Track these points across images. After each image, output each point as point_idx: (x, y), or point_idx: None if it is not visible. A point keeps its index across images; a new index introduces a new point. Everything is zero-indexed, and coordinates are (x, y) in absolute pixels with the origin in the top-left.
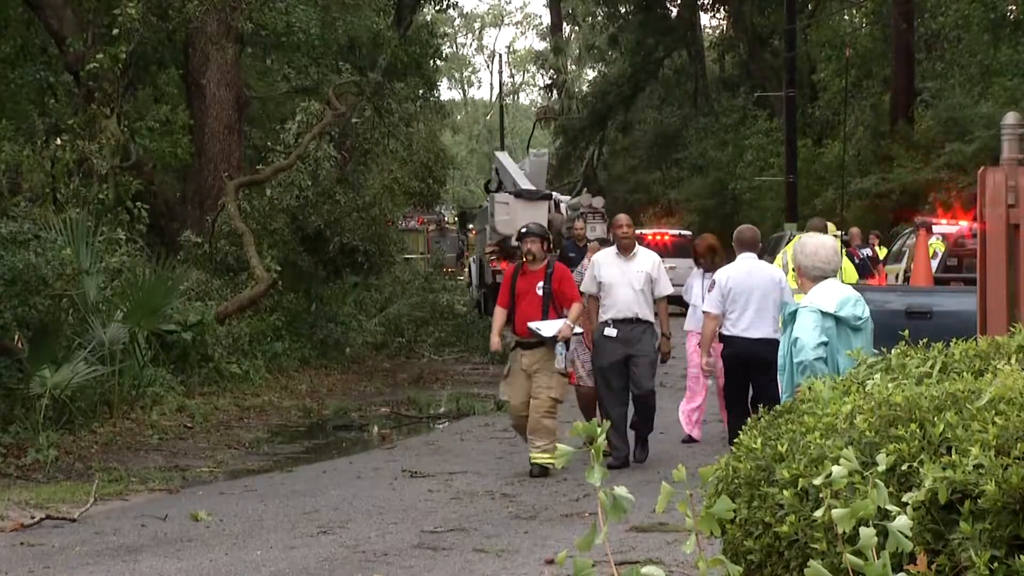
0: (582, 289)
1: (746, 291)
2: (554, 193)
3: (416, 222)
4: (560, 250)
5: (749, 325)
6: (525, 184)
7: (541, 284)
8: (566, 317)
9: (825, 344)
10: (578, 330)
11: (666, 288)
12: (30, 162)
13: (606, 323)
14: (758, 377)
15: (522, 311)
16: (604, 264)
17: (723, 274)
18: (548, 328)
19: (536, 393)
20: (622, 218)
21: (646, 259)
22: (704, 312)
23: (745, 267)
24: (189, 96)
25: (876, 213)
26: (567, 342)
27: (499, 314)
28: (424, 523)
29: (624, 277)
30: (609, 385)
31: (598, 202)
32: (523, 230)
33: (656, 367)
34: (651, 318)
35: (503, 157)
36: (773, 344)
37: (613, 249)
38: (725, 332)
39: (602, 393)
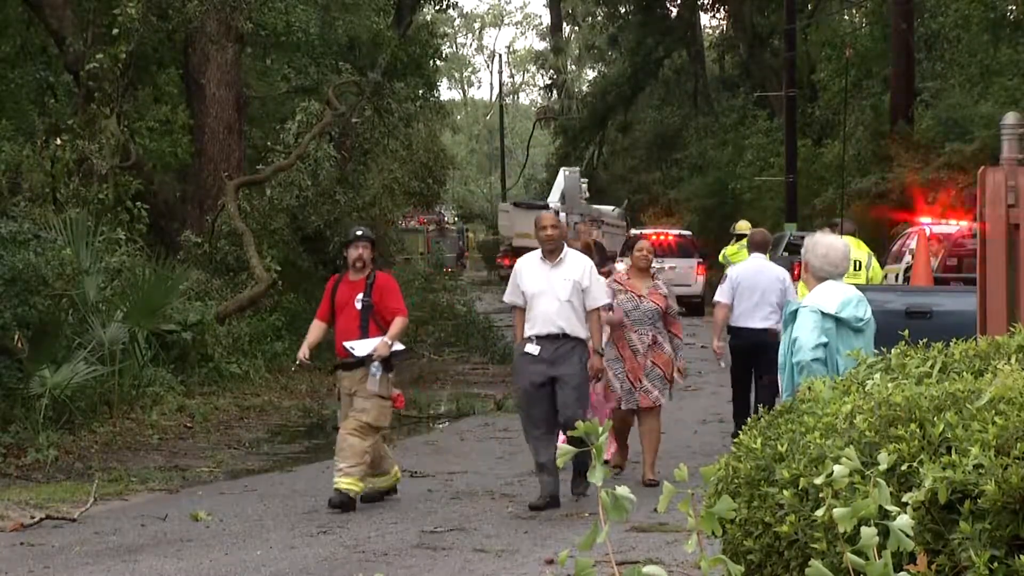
0: (505, 299)
1: (752, 287)
2: (596, 207)
3: (416, 222)
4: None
5: (753, 317)
6: (555, 197)
7: (361, 296)
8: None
9: (824, 345)
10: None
11: (599, 298)
12: (30, 162)
13: (528, 339)
14: (760, 359)
15: (340, 327)
16: (526, 271)
17: (734, 270)
18: (362, 347)
19: (350, 414)
20: (546, 217)
21: (575, 265)
22: (715, 301)
23: (755, 266)
24: (189, 96)
25: (875, 213)
26: (385, 362)
27: (314, 328)
28: (424, 523)
29: (548, 286)
30: (530, 410)
31: (619, 211)
32: (351, 234)
33: (587, 391)
34: (581, 334)
35: (565, 170)
36: (774, 331)
37: (537, 254)
38: (732, 324)
39: (522, 419)
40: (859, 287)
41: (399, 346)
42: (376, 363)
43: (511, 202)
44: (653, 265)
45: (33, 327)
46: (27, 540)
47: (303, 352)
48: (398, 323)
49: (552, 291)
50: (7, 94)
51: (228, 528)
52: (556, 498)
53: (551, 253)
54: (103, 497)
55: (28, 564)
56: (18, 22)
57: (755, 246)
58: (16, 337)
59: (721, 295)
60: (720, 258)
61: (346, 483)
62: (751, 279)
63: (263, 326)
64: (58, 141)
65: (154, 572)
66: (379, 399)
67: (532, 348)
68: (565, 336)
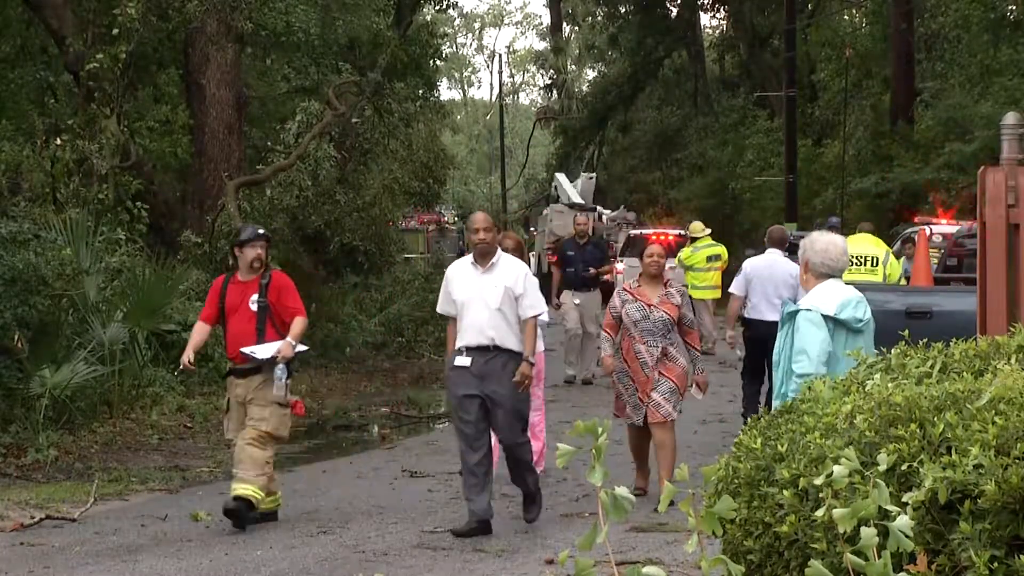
0: (438, 309)
1: (765, 281)
2: (598, 207)
3: (416, 222)
4: (559, 248)
5: (766, 310)
6: (578, 199)
7: (256, 297)
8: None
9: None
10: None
11: (534, 307)
12: (30, 162)
13: (459, 351)
14: (772, 350)
15: (233, 330)
16: (457, 278)
17: (749, 264)
18: (264, 351)
19: (247, 424)
20: (478, 218)
21: (508, 271)
22: (730, 293)
23: (769, 260)
24: (189, 96)
25: (876, 213)
26: (288, 364)
27: (198, 330)
28: (424, 523)
29: (478, 293)
30: (461, 427)
31: (631, 216)
32: (249, 234)
33: (527, 409)
34: (514, 345)
35: (562, 177)
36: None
37: (469, 258)
38: (747, 316)
39: (457, 435)
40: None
41: (302, 347)
42: (281, 366)
43: (566, 203)
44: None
45: (33, 327)
46: (27, 540)
47: (187, 356)
48: (299, 323)
49: (482, 299)
50: (7, 94)
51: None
52: (486, 524)
53: (482, 257)
54: (103, 497)
55: (28, 564)
56: (18, 22)
57: (772, 242)
58: (16, 337)
59: (735, 288)
60: (676, 261)
61: (244, 488)
62: (764, 273)
63: None
64: (58, 141)
65: (154, 572)
66: (278, 407)
67: (462, 360)
68: (496, 348)
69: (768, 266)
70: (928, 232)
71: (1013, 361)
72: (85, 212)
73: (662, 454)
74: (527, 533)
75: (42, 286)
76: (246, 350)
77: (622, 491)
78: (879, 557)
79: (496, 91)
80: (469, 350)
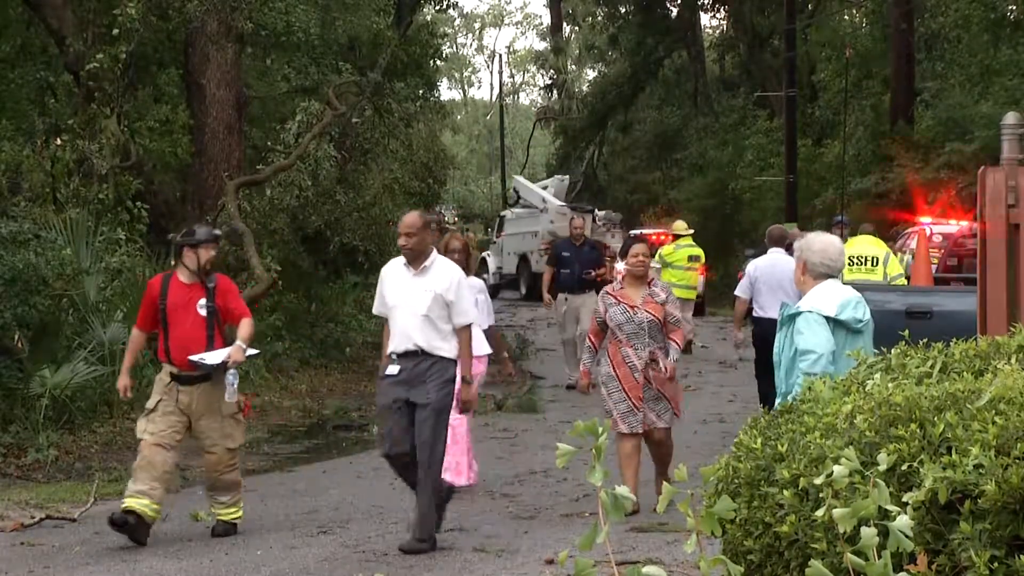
0: (375, 311)
1: (770, 280)
2: (594, 209)
3: None
4: (552, 248)
5: (771, 308)
6: (553, 200)
7: (204, 301)
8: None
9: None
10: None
11: (466, 314)
12: (30, 162)
13: (390, 357)
14: None
15: (178, 336)
16: (389, 279)
17: (752, 265)
18: (214, 357)
19: (209, 448)
20: (404, 220)
21: (441, 275)
22: (735, 295)
23: (771, 260)
24: (189, 96)
25: (876, 213)
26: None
27: (135, 341)
28: None
29: (407, 297)
30: (386, 430)
31: (616, 217)
32: (206, 235)
33: (445, 420)
34: (446, 352)
35: (522, 179)
36: None
37: (402, 259)
38: (754, 315)
39: (379, 450)
40: (861, 286)
41: (251, 351)
42: (233, 371)
43: (567, 205)
44: (656, 263)
45: (33, 327)
46: (27, 540)
47: (125, 386)
48: (247, 325)
49: (411, 303)
50: (7, 94)
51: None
52: (433, 542)
53: (413, 260)
54: (103, 497)
55: (28, 564)
56: (18, 22)
57: (772, 241)
58: (16, 337)
59: (740, 291)
60: (655, 258)
61: (231, 513)
62: (768, 272)
63: (263, 326)
64: (58, 141)
65: (154, 572)
66: (232, 418)
67: (391, 368)
68: (423, 353)
69: (771, 265)
70: (928, 232)
71: (1013, 361)
72: (85, 212)
73: (660, 452)
74: (527, 533)
75: (42, 286)
76: (195, 358)
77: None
78: (879, 557)
79: (496, 91)
80: (398, 356)
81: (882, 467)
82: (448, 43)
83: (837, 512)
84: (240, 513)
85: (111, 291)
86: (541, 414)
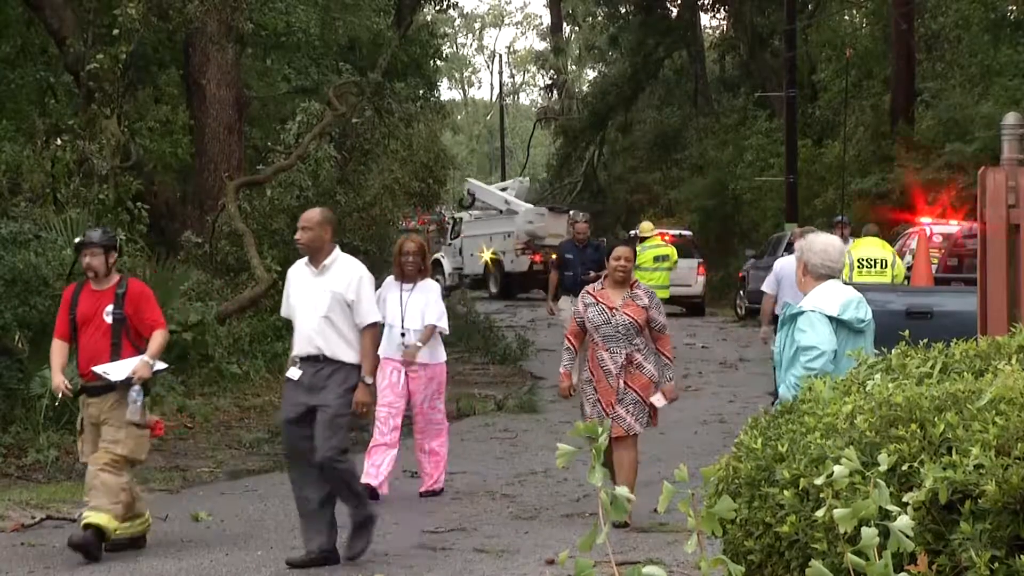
0: (282, 313)
1: (794, 277)
2: (571, 210)
3: (418, 222)
4: (558, 250)
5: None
6: (515, 201)
7: (111, 308)
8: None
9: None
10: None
11: (369, 314)
12: (30, 162)
13: (293, 361)
14: None
15: (86, 344)
16: (293, 280)
17: (779, 264)
18: (118, 371)
19: (100, 446)
20: (306, 213)
21: (342, 274)
22: (762, 292)
23: (786, 262)
24: (189, 96)
25: (876, 213)
26: (145, 385)
27: (57, 349)
28: (425, 523)
29: (308, 298)
30: (289, 448)
31: (583, 216)
32: (80, 240)
33: (344, 425)
34: (348, 357)
35: (475, 182)
36: None
37: (305, 259)
38: (778, 312)
39: (285, 460)
40: (864, 286)
41: (160, 364)
42: (137, 388)
43: (546, 206)
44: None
45: (34, 327)
46: (28, 540)
47: (60, 381)
48: (158, 338)
49: (311, 304)
50: (7, 94)
51: (228, 528)
52: (329, 554)
53: (311, 258)
54: None
55: (29, 564)
56: (18, 22)
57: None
58: (17, 337)
59: (767, 287)
60: None
61: (96, 516)
62: (793, 270)
63: (263, 326)
64: (58, 141)
65: (154, 572)
66: (135, 428)
67: (293, 372)
68: (325, 358)
69: (788, 264)
70: (928, 232)
71: (1014, 361)
72: (85, 212)
73: (623, 472)
74: (527, 534)
75: (43, 286)
76: (98, 369)
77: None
78: (880, 557)
79: (496, 91)
80: (301, 361)
81: (882, 467)
82: (448, 43)
83: (838, 512)
84: (105, 522)
85: None
86: (541, 414)
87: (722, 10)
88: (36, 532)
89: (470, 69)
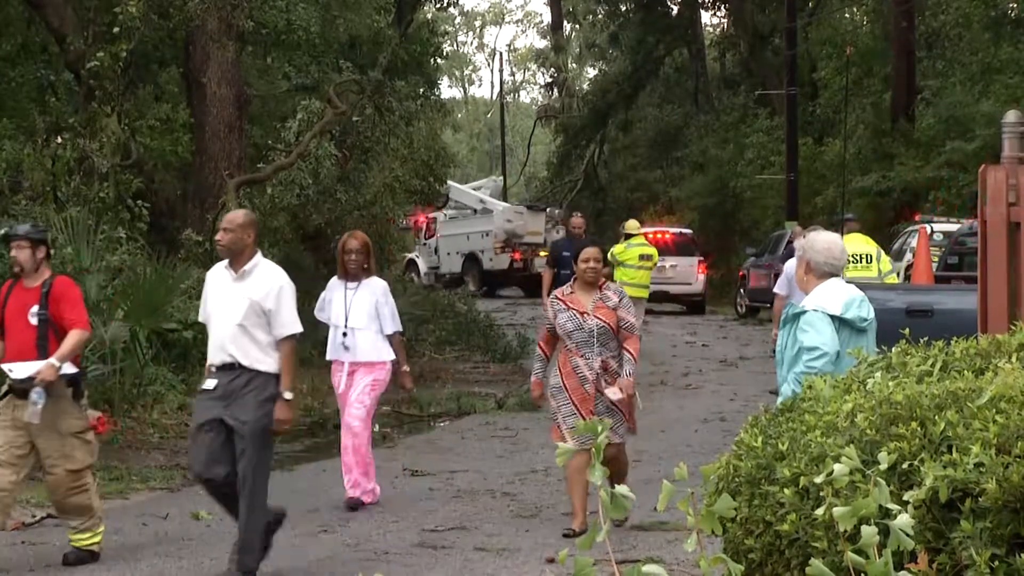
0: (199, 318)
1: None
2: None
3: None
4: (553, 247)
5: None
6: (490, 200)
7: (35, 308)
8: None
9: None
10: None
11: (287, 325)
12: (31, 160)
13: (208, 370)
14: None
15: (11, 344)
16: (210, 283)
17: (789, 264)
18: (22, 369)
19: (49, 468)
20: (229, 214)
21: (262, 281)
22: (774, 293)
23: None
24: (190, 94)
25: (877, 211)
26: (75, 388)
27: None
28: (425, 522)
29: (224, 304)
30: (199, 461)
31: (560, 214)
32: (5, 232)
33: (265, 440)
34: (266, 366)
35: (454, 184)
36: None
37: (225, 263)
38: None
39: (191, 470)
40: (864, 285)
41: (69, 368)
42: (38, 390)
43: (524, 204)
44: (657, 262)
45: None
46: (28, 539)
47: None
48: (71, 338)
49: (227, 311)
50: (8, 92)
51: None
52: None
53: (231, 261)
54: (104, 496)
55: (29, 563)
56: (19, 21)
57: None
58: None
59: (779, 288)
60: (608, 256)
61: (85, 540)
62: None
63: None
64: (59, 140)
65: (155, 571)
66: (77, 438)
67: (208, 383)
68: (240, 367)
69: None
70: (928, 231)
71: (1014, 359)
72: (86, 210)
73: (613, 468)
74: (528, 532)
75: None
76: (5, 367)
77: (622, 489)
78: (880, 556)
79: (497, 89)
80: (216, 370)
81: (883, 465)
82: (449, 41)
83: (838, 511)
84: (98, 539)
85: (112, 290)
86: (542, 413)
87: (723, 8)
88: (36, 530)
89: (471, 67)
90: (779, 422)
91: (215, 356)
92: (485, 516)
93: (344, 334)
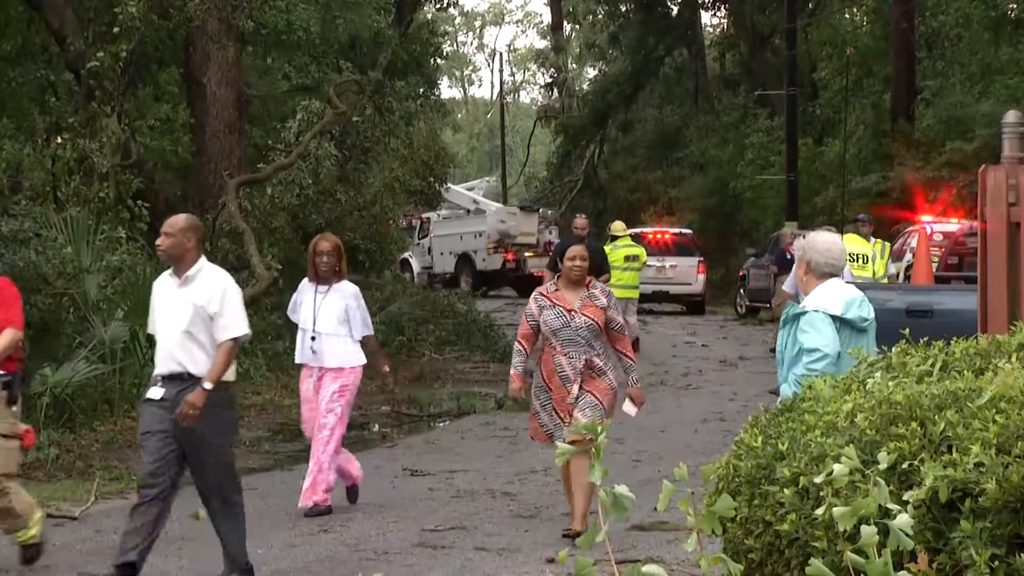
0: (149, 329)
1: None
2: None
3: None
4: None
5: None
6: (484, 201)
7: None
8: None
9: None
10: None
11: (229, 328)
12: (31, 160)
13: (154, 380)
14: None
15: None
16: (157, 291)
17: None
18: None
19: None
20: (170, 219)
21: (206, 286)
22: (783, 290)
23: None
24: (190, 95)
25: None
26: (10, 390)
27: None
28: (425, 521)
29: (171, 312)
30: (146, 470)
31: (553, 215)
32: None
33: (221, 449)
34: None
35: (452, 185)
36: None
37: (170, 270)
38: None
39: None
40: (864, 285)
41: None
42: None
43: (517, 205)
44: (657, 263)
45: (34, 326)
46: None
47: None
48: (3, 338)
49: (172, 317)
50: (8, 93)
51: None
52: (130, 567)
53: (174, 267)
54: (104, 496)
55: None
56: (19, 21)
57: None
58: None
59: (787, 286)
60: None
61: (25, 535)
62: None
63: (264, 325)
64: (59, 140)
65: (155, 570)
66: (2, 439)
67: (154, 392)
68: (190, 376)
69: None
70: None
71: (1014, 359)
72: (86, 211)
73: (577, 484)
74: (528, 532)
75: (43, 285)
76: None
77: (622, 490)
78: (880, 555)
79: (497, 89)
80: (163, 379)
81: (882, 465)
82: (448, 41)
83: (837, 510)
84: (34, 531)
85: (112, 290)
86: None
87: (722, 8)
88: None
89: (470, 67)
90: (779, 422)
91: (163, 365)
92: (485, 516)
93: (312, 338)
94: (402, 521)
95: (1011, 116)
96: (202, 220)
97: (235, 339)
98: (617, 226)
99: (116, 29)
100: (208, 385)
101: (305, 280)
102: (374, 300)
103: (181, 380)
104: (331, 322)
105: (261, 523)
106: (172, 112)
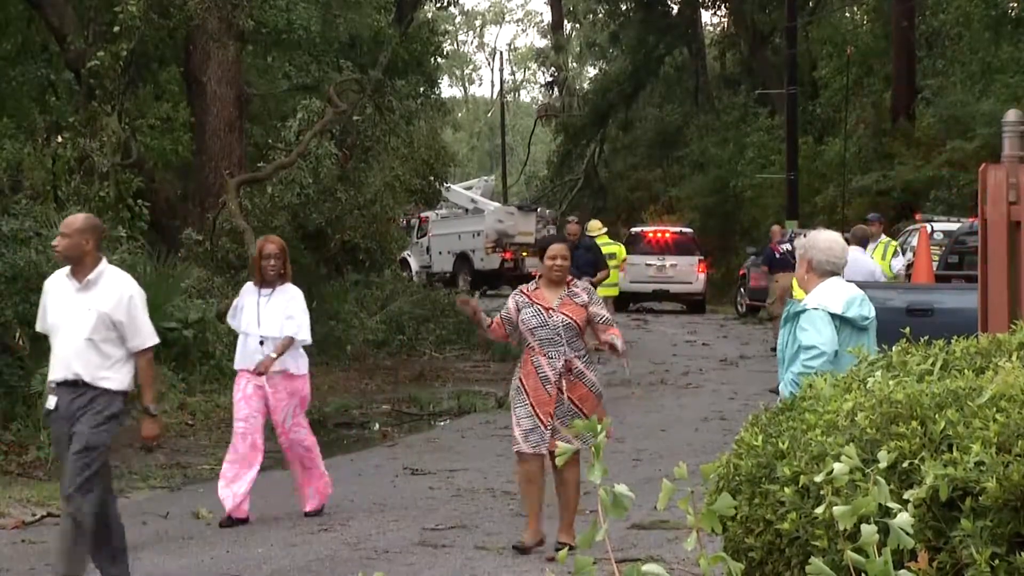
0: (38, 328)
1: (849, 277)
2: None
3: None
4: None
5: None
6: (482, 200)
7: None
8: None
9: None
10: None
11: (146, 336)
12: (31, 160)
13: (49, 386)
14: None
15: None
16: (51, 293)
17: None
18: None
19: None
20: (67, 219)
21: (110, 292)
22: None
23: (851, 257)
24: (190, 94)
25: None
26: None
27: None
28: (425, 520)
29: (69, 317)
30: (63, 484)
31: (550, 214)
32: None
33: (97, 456)
34: (112, 384)
35: (452, 185)
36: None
37: (66, 270)
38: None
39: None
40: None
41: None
42: None
43: (515, 205)
44: (657, 262)
45: (34, 325)
46: (28, 538)
47: None
48: None
49: (71, 324)
50: (8, 92)
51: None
52: None
53: (73, 269)
54: None
55: (30, 561)
56: (19, 20)
57: (854, 240)
58: (17, 335)
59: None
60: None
61: None
62: (848, 270)
63: None
64: (59, 139)
65: (156, 570)
66: None
67: (49, 401)
68: (84, 385)
69: (852, 262)
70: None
71: (1014, 358)
72: (86, 210)
73: (566, 491)
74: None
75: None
76: None
77: (622, 489)
78: (880, 554)
79: (497, 88)
80: (57, 387)
81: (883, 464)
82: (449, 40)
83: (838, 509)
84: None
85: None
86: None
87: (723, 7)
88: (37, 529)
89: (471, 66)
90: (779, 421)
91: (57, 372)
92: (485, 515)
93: (261, 342)
94: (402, 520)
95: (1011, 115)
96: (202, 219)
97: (150, 348)
98: (593, 225)
99: (116, 28)
100: (155, 409)
101: (248, 284)
102: (374, 299)
103: (75, 387)
104: (276, 326)
105: (262, 522)
106: (172, 111)
